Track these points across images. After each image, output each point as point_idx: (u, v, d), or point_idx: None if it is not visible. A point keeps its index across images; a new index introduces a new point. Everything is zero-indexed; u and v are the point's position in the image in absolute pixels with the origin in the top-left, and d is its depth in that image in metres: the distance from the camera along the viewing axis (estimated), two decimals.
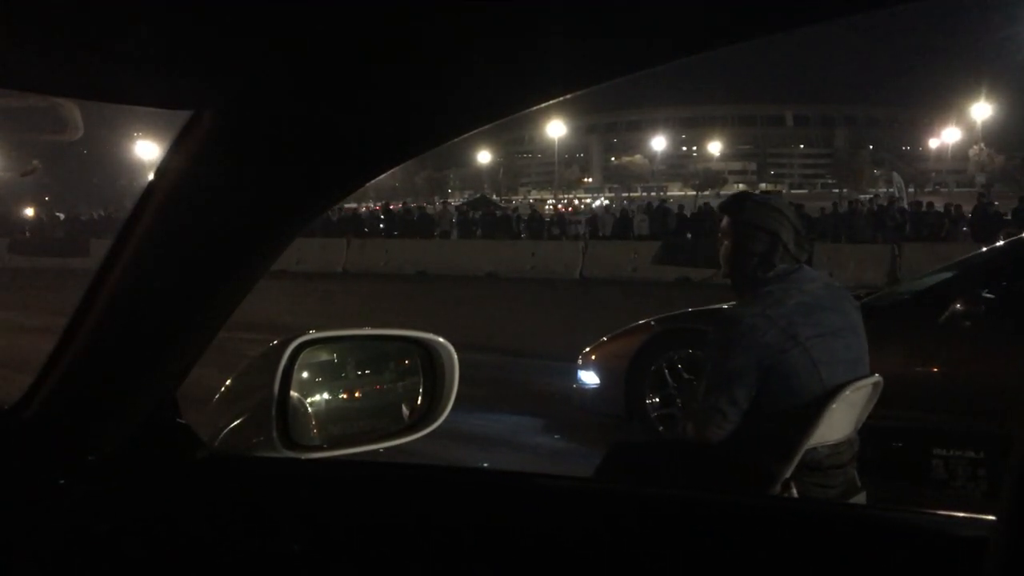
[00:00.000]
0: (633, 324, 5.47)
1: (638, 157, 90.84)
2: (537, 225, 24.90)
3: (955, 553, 0.83)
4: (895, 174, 30.13)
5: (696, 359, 4.95)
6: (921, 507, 0.95)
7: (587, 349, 5.56)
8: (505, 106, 0.87)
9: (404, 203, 30.68)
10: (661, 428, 5.06)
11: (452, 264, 19.83)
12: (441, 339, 1.29)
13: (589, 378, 5.48)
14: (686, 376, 5.06)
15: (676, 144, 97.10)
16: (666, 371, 5.13)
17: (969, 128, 65.78)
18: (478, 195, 49.67)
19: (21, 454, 1.08)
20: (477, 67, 0.82)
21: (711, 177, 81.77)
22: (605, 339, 5.52)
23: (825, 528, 0.94)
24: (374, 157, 0.95)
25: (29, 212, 31.38)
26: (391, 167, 0.96)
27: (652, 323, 5.40)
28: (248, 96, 0.91)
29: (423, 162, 75.33)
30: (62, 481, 1.07)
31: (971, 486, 3.98)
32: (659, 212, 23.54)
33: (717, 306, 5.64)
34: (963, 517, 0.90)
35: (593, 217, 26.48)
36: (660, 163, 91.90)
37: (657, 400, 5.15)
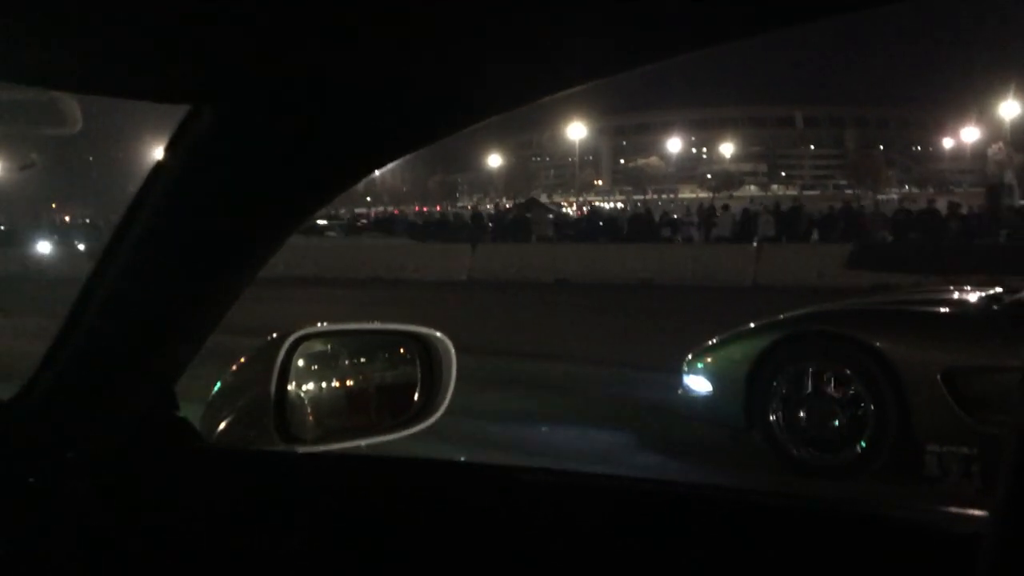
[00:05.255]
0: (753, 324, 5.02)
1: (654, 159, 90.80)
2: (644, 226, 22.84)
3: (948, 549, 0.82)
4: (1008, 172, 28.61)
5: (831, 367, 4.57)
6: (915, 503, 0.94)
7: (694, 352, 5.07)
8: (506, 100, 0.87)
9: (496, 204, 30.04)
10: (791, 447, 4.65)
11: (596, 271, 17.26)
12: (438, 333, 1.30)
13: (698, 384, 4.98)
14: (820, 387, 4.60)
15: (686, 146, 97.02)
16: (796, 380, 4.65)
17: (987, 127, 65.37)
18: (524, 199, 47.53)
19: (18, 447, 1.08)
20: (479, 61, 0.82)
21: (728, 179, 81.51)
22: (715, 340, 5.04)
23: (818, 523, 0.93)
24: (375, 151, 0.95)
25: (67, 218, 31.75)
26: (391, 161, 0.96)
27: (777, 324, 4.93)
28: (247, 90, 0.91)
29: (433, 166, 75.64)
30: (60, 474, 1.07)
31: (965, 482, 3.89)
32: (790, 213, 21.82)
33: (852, 305, 5.32)
34: (956, 513, 0.89)
35: (705, 218, 24.12)
36: (671, 165, 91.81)
37: (782, 413, 4.67)
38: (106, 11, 0.77)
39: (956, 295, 5.27)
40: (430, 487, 1.12)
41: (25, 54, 0.86)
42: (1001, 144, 62.87)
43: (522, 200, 41.09)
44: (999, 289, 5.04)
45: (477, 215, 25.48)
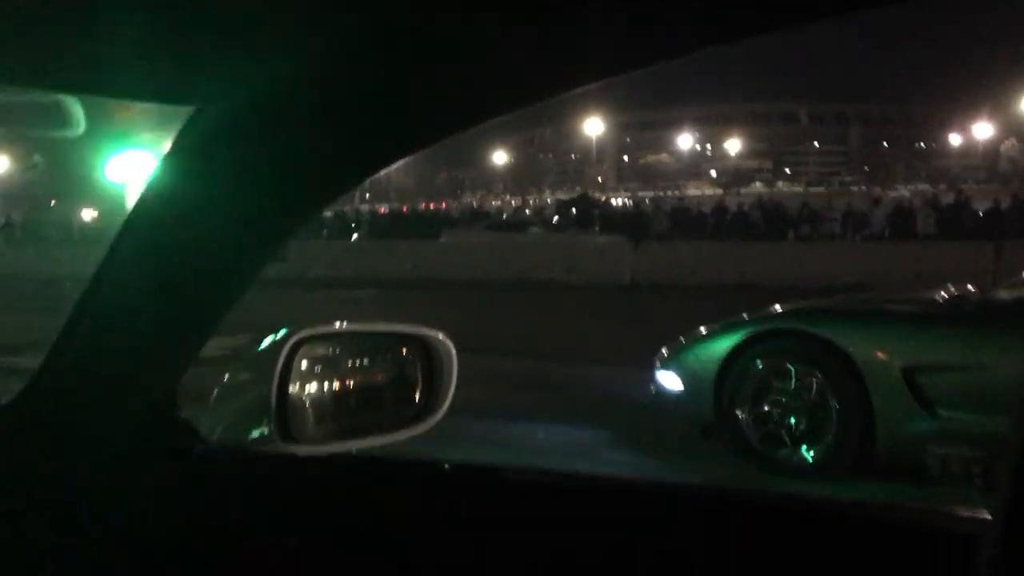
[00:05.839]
0: (724, 321, 5.08)
1: (664, 155, 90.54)
2: (779, 221, 20.55)
3: (949, 549, 0.82)
4: None
5: (797, 365, 4.62)
6: (916, 503, 0.94)
7: (666, 350, 5.15)
8: (509, 101, 0.87)
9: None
10: (757, 443, 4.71)
11: (781, 273, 13.90)
12: (440, 335, 1.30)
13: (670, 381, 5.07)
14: (786, 384, 4.66)
15: (691, 143, 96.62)
16: (762, 377, 4.72)
17: (1000, 123, 64.93)
18: (577, 193, 44.76)
19: (20, 449, 1.08)
20: (481, 61, 0.82)
21: (738, 176, 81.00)
22: (686, 339, 5.14)
23: (818, 523, 0.93)
24: (377, 151, 0.95)
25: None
26: (393, 162, 0.96)
27: (744, 322, 4.99)
28: (250, 90, 0.91)
29: (436, 162, 75.50)
30: (61, 475, 1.07)
31: (966, 483, 3.92)
32: (953, 207, 19.53)
33: (818, 304, 5.36)
34: (956, 513, 0.89)
35: (850, 213, 21.45)
36: (676, 162, 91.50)
37: (749, 410, 4.73)
38: (109, 13, 0.78)
39: (922, 295, 5.34)
40: (430, 488, 1.12)
41: (28, 57, 0.87)
42: (1014, 140, 62.38)
43: (574, 196, 38.90)
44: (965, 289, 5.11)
45: (586, 208, 22.44)
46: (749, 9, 0.70)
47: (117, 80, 0.94)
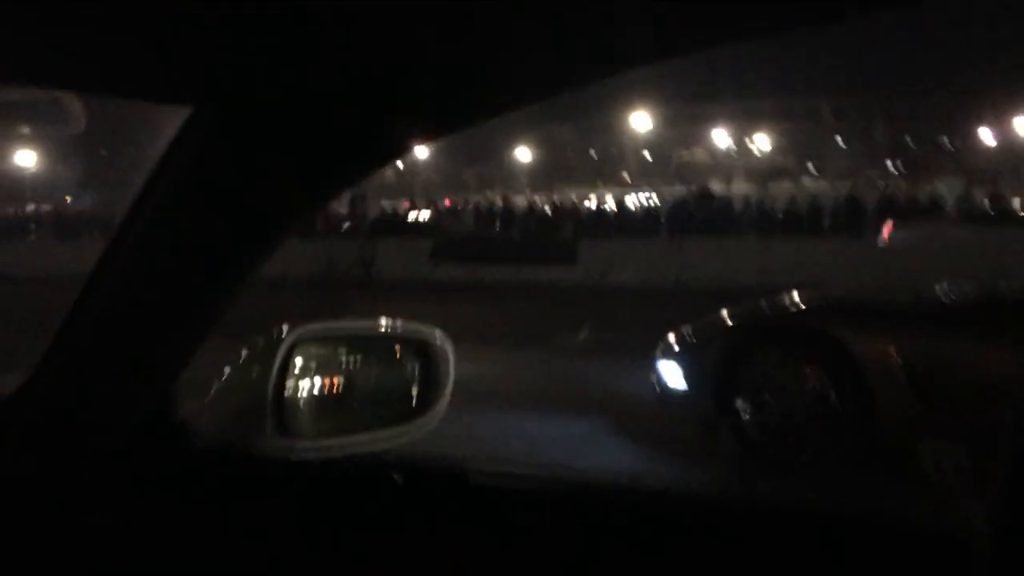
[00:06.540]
0: (726, 315, 5.08)
1: (699, 151, 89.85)
2: None
3: (943, 548, 0.81)
4: None
5: (797, 360, 4.62)
6: (909, 502, 0.93)
7: (666, 343, 5.12)
8: (516, 96, 0.86)
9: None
10: (757, 437, 4.68)
11: None
12: (438, 333, 1.29)
13: (670, 375, 5.01)
14: (786, 379, 4.65)
15: (714, 138, 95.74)
16: (762, 372, 4.69)
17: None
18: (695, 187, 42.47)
19: (16, 450, 1.09)
20: (481, 61, 0.81)
21: (776, 170, 79.91)
22: (687, 332, 5.12)
23: (812, 524, 0.92)
24: (375, 150, 0.94)
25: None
26: (393, 160, 0.96)
27: (745, 317, 5.01)
28: (249, 89, 0.90)
29: (454, 157, 75.26)
30: (57, 476, 1.07)
31: (967, 481, 3.89)
32: None
33: (818, 299, 5.25)
34: (951, 512, 0.88)
35: None
36: (712, 158, 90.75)
37: (749, 405, 4.69)
38: (107, 11, 0.77)
39: (924, 290, 5.28)
40: (427, 486, 1.12)
41: (28, 55, 0.87)
42: None
43: (696, 188, 36.24)
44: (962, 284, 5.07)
45: (851, 200, 18.28)
46: (762, 6, 0.68)
47: (115, 79, 0.94)
